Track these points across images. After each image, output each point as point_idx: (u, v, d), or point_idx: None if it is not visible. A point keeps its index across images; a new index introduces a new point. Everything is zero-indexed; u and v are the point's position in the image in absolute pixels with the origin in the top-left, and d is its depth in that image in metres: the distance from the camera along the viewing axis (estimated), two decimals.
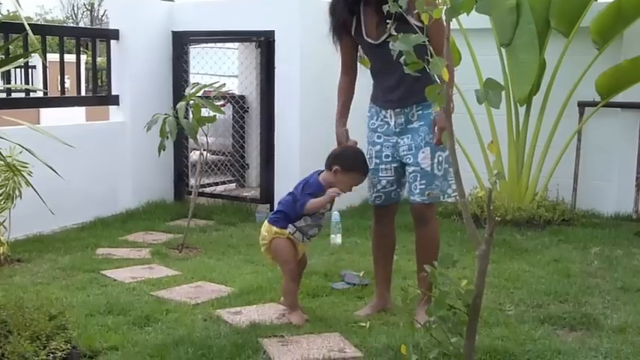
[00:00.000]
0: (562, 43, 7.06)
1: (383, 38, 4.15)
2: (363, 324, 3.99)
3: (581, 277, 5.28)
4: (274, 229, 4.38)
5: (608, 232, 6.64)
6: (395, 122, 4.32)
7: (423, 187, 4.23)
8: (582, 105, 7.38)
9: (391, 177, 4.39)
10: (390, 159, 4.37)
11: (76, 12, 38.83)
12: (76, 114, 10.89)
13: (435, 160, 4.20)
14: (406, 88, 4.17)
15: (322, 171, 4.42)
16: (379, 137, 4.40)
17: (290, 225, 4.36)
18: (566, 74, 7.02)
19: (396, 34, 2.96)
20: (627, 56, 6.91)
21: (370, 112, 4.49)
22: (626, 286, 5.08)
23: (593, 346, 3.97)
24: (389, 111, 4.33)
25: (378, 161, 4.40)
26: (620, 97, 7.13)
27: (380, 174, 4.39)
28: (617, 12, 6.79)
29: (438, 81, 2.86)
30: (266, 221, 4.48)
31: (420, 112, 4.23)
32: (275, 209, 4.54)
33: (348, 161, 4.32)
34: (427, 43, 2.84)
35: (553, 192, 7.32)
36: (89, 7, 37.00)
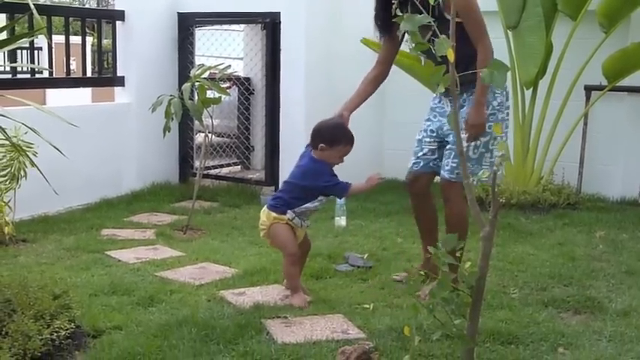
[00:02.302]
0: (569, 26, 7.02)
1: (427, 38, 4.10)
2: (367, 306, 4.00)
3: (586, 261, 5.27)
4: (273, 214, 4.39)
5: (613, 216, 6.63)
6: (448, 106, 4.53)
7: (454, 165, 4.36)
8: (589, 89, 7.34)
9: (433, 147, 4.57)
10: (434, 134, 4.57)
11: None
12: (82, 95, 10.87)
13: (473, 143, 4.32)
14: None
15: (309, 151, 4.47)
16: (434, 116, 4.61)
17: (289, 211, 4.36)
18: (572, 57, 6.98)
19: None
20: (635, 39, 6.85)
21: (436, 94, 4.66)
22: (631, 269, 5.07)
23: (597, 329, 3.97)
24: (445, 104, 4.58)
25: (424, 134, 4.62)
26: (626, 81, 7.09)
27: (423, 144, 4.61)
28: None
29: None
30: (265, 207, 4.48)
31: (469, 98, 4.35)
32: (273, 196, 4.55)
33: (329, 136, 4.39)
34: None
35: (559, 176, 7.30)
36: None
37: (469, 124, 4.25)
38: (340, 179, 4.41)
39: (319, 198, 4.44)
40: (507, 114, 4.47)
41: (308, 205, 4.40)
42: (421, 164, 4.61)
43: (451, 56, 2.83)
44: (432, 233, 4.75)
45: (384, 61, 4.71)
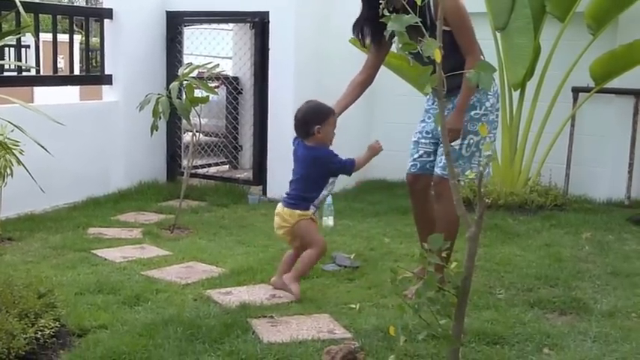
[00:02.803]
0: (557, 28, 7.04)
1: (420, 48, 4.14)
2: (353, 305, 4.00)
3: (572, 262, 5.29)
4: (297, 212, 4.45)
5: (600, 218, 6.65)
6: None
7: (446, 162, 4.28)
8: (576, 90, 7.36)
9: (429, 149, 4.62)
10: (430, 135, 4.62)
11: None
12: (70, 94, 10.83)
13: (466, 142, 4.40)
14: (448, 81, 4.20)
15: (301, 144, 4.53)
16: (429, 117, 4.66)
17: (311, 206, 4.48)
18: (560, 59, 7.00)
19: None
20: (622, 42, 6.88)
21: (429, 96, 4.72)
22: (617, 271, 5.09)
23: (582, 330, 3.98)
24: (432, 102, 4.65)
25: (420, 135, 4.67)
26: (614, 83, 7.12)
27: (419, 146, 4.65)
28: None
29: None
30: (283, 207, 4.51)
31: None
32: (288, 195, 4.55)
33: (316, 116, 4.45)
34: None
35: (546, 177, 7.32)
36: None
37: (448, 128, 4.18)
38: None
39: (330, 181, 4.53)
40: (497, 115, 4.56)
41: (323, 192, 4.51)
42: (418, 166, 4.65)
43: (438, 56, 2.83)
44: (431, 234, 4.71)
45: (372, 66, 4.76)
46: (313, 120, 4.43)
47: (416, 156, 4.66)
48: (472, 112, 4.40)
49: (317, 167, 4.49)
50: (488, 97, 4.43)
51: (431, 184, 4.67)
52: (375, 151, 4.57)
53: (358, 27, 4.67)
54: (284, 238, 4.63)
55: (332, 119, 4.47)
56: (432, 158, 4.61)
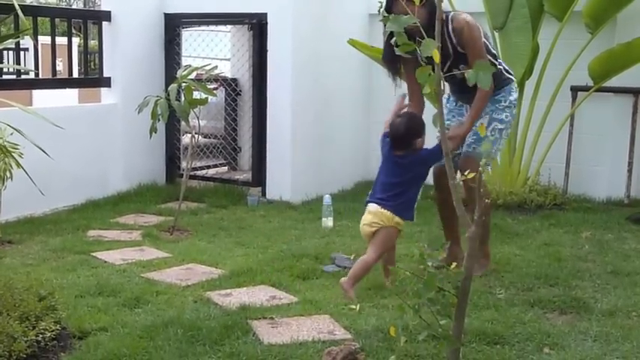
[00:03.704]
0: (555, 27, 7.04)
1: (446, 67, 4.59)
2: (353, 306, 4.00)
3: (572, 261, 5.29)
4: (397, 219, 4.50)
5: (599, 217, 6.65)
6: (467, 109, 4.91)
7: (471, 141, 4.81)
8: (575, 89, 7.36)
9: None
10: (457, 125, 4.89)
11: None
12: (69, 96, 10.83)
13: (491, 126, 4.83)
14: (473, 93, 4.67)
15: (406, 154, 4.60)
16: (453, 116, 5.06)
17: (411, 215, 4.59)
18: (559, 58, 7.00)
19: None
20: (621, 40, 6.88)
21: (448, 95, 5.09)
22: (617, 270, 5.09)
23: (582, 329, 3.98)
24: (462, 105, 5.06)
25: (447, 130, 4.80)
26: (613, 82, 7.12)
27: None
28: None
29: None
30: (382, 209, 4.52)
31: (489, 99, 4.78)
32: (389, 195, 4.56)
33: (420, 128, 4.59)
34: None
35: (545, 176, 7.32)
36: None
37: (449, 135, 4.34)
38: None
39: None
40: (514, 110, 5.01)
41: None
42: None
43: (437, 57, 2.84)
44: (453, 226, 5.06)
45: (418, 94, 4.84)
46: (418, 131, 4.56)
47: (458, 152, 4.88)
48: (497, 104, 4.85)
49: (431, 162, 4.65)
50: (512, 92, 4.92)
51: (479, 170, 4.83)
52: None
53: (390, 64, 4.85)
54: (367, 237, 4.61)
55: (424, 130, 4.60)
56: (458, 151, 4.86)
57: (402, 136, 4.57)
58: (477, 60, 4.53)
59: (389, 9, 4.55)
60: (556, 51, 7.04)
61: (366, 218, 4.59)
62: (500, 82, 4.85)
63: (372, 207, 4.58)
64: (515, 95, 4.97)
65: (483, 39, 4.74)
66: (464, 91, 4.87)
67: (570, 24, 7.00)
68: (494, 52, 4.94)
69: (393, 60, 4.73)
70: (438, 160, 4.64)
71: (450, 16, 4.66)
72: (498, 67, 4.85)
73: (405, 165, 4.58)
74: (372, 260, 4.49)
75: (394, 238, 4.60)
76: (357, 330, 3.89)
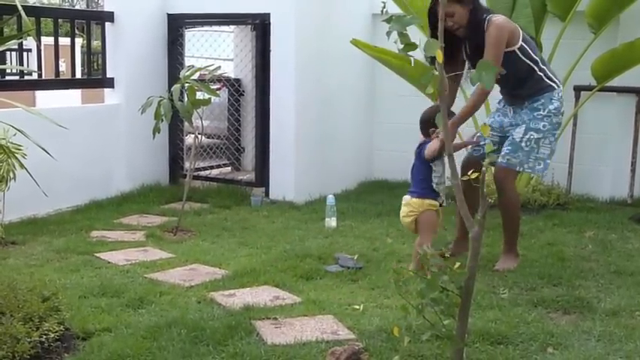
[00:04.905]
0: (558, 27, 7.04)
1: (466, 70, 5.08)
2: (357, 306, 4.00)
3: (575, 261, 5.29)
4: (427, 201, 4.84)
5: (602, 217, 6.64)
6: (512, 111, 5.21)
7: (507, 151, 5.03)
8: (578, 89, 7.36)
9: (495, 140, 5.20)
10: (496, 130, 5.23)
11: None
12: (72, 97, 10.85)
13: (526, 136, 5.00)
14: (515, 94, 5.15)
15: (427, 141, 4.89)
16: (498, 116, 5.30)
17: (438, 194, 4.85)
18: (562, 58, 6.99)
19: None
20: (624, 40, 6.87)
21: (501, 97, 5.37)
22: (620, 269, 5.09)
23: (586, 329, 3.98)
24: (507, 106, 5.28)
25: (489, 128, 5.19)
26: (615, 82, 7.11)
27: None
28: None
29: None
30: (409, 197, 4.90)
31: (527, 106, 5.06)
32: (414, 185, 4.94)
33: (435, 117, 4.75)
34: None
35: (548, 176, 7.30)
36: None
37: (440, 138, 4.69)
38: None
39: (436, 168, 4.85)
40: (561, 118, 5.13)
41: (434, 177, 4.84)
42: (481, 152, 5.17)
43: (439, 56, 2.85)
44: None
45: (453, 91, 5.15)
46: (432, 121, 4.67)
47: (482, 143, 5.15)
48: (535, 113, 5.00)
49: (419, 158, 4.91)
50: (552, 101, 5.01)
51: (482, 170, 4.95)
52: (439, 140, 4.76)
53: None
54: (409, 227, 4.98)
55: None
56: (495, 147, 5.13)
57: (421, 121, 4.93)
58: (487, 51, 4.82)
59: (432, 9, 4.81)
60: (559, 51, 7.03)
61: (403, 211, 4.95)
62: (539, 88, 5.02)
63: (405, 199, 4.95)
64: (556, 104, 5.02)
65: (522, 42, 4.94)
66: (509, 93, 5.21)
67: (573, 24, 7.00)
68: (536, 57, 5.04)
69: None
70: (422, 156, 4.86)
71: (487, 18, 4.88)
72: (538, 72, 5.01)
73: (419, 154, 4.91)
74: (423, 241, 4.64)
75: (434, 220, 4.88)
76: (361, 330, 3.89)
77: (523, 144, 5.00)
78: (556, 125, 5.08)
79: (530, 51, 4.99)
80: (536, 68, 5.01)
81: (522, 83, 5.03)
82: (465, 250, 5.07)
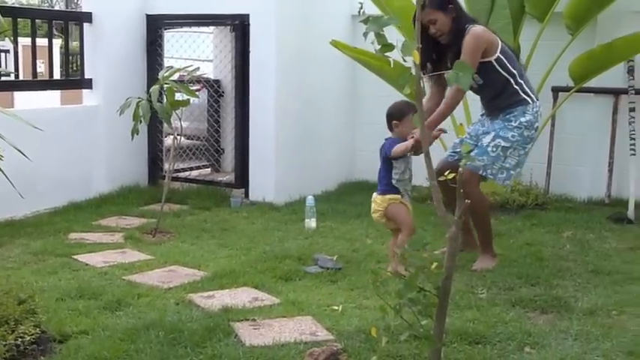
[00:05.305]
0: (536, 28, 7.08)
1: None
2: (336, 307, 4.00)
3: (553, 261, 5.32)
4: (387, 196, 4.92)
5: (580, 216, 6.68)
6: (488, 121, 5.29)
7: (473, 155, 5.09)
8: (556, 90, 7.40)
9: (471, 148, 5.21)
10: (474, 135, 5.33)
11: None
12: (52, 98, 10.77)
13: (494, 142, 5.09)
14: (490, 105, 5.28)
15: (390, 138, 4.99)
16: (477, 125, 5.41)
17: (401, 190, 4.91)
18: (540, 59, 7.03)
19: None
20: (601, 41, 6.91)
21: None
22: (597, 269, 5.12)
23: (563, 328, 4.01)
24: (486, 117, 5.37)
25: (467, 137, 5.36)
26: (593, 83, 7.16)
27: (464, 142, 5.29)
28: None
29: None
30: (375, 194, 5.00)
31: (500, 117, 5.16)
32: (379, 182, 5.02)
33: (397, 111, 4.97)
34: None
35: (527, 176, 7.34)
36: None
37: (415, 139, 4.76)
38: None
39: (395, 164, 4.90)
40: (534, 133, 5.18)
41: (395, 174, 4.90)
42: (455, 157, 5.21)
43: (416, 57, 2.85)
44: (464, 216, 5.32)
45: (438, 94, 5.28)
46: (394, 115, 4.95)
47: (458, 149, 5.23)
48: (506, 123, 5.09)
49: (381, 156, 4.98)
50: (525, 114, 5.09)
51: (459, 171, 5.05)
52: (411, 142, 4.79)
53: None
54: (381, 223, 5.09)
55: (410, 118, 4.81)
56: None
57: (387, 115, 5.01)
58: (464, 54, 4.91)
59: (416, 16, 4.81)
60: (537, 52, 7.07)
61: (372, 208, 5.05)
62: (514, 101, 5.11)
63: (372, 197, 5.05)
64: (529, 117, 5.09)
65: (499, 54, 5.03)
66: (486, 103, 5.35)
67: (551, 25, 7.04)
68: (514, 70, 5.11)
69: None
70: (386, 153, 4.91)
71: (467, 28, 4.99)
72: (514, 86, 5.10)
73: (380, 151, 5.00)
74: (404, 235, 4.83)
75: (402, 211, 4.93)
76: (340, 331, 3.89)
77: (489, 149, 5.07)
78: (527, 139, 5.13)
79: (507, 63, 5.08)
80: (512, 81, 5.10)
81: (498, 95, 5.12)
82: (467, 248, 5.37)
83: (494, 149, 5.06)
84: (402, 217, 4.93)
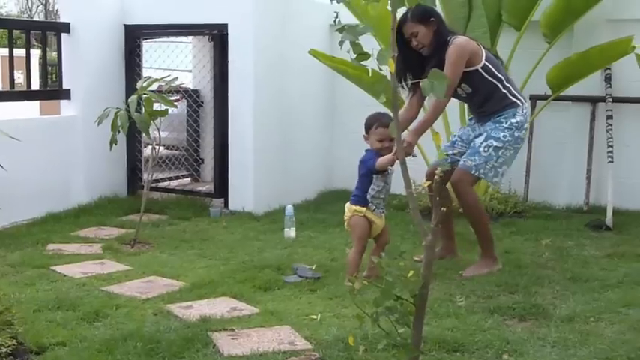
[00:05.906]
0: (513, 37, 7.13)
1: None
2: (314, 316, 4.00)
3: (532, 268, 5.34)
4: (353, 207, 4.97)
5: (559, 224, 6.73)
6: (478, 125, 5.41)
7: (466, 155, 5.27)
8: (534, 98, 7.44)
9: (462, 151, 5.40)
10: (465, 138, 5.47)
11: (30, 6, 38.12)
12: (31, 108, 10.70)
13: (486, 143, 5.19)
14: (481, 111, 5.37)
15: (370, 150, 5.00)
16: (467, 129, 5.52)
17: (370, 203, 4.93)
18: (517, 68, 7.07)
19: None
20: (577, 50, 6.97)
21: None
22: (576, 276, 5.14)
23: (541, 335, 4.02)
24: (476, 123, 5.48)
25: (457, 139, 5.54)
26: (570, 91, 7.21)
27: (455, 145, 5.51)
28: (567, 5, 6.87)
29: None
30: (347, 205, 5.04)
31: (492, 120, 5.26)
32: (356, 192, 5.03)
33: (366, 123, 5.00)
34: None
35: (505, 184, 7.37)
36: (43, 1, 36.42)
37: (406, 141, 4.88)
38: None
39: (375, 181, 4.91)
40: (524, 133, 5.32)
41: (372, 190, 4.91)
42: (448, 161, 5.37)
43: (391, 66, 2.86)
44: (448, 223, 5.51)
45: (417, 104, 5.32)
46: (365, 128, 5.00)
47: (450, 152, 5.43)
48: (497, 124, 5.20)
49: (361, 169, 4.98)
50: (516, 115, 5.21)
51: (449, 178, 5.26)
52: (394, 158, 4.78)
53: (400, 73, 5.18)
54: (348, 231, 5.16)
55: (374, 130, 4.89)
56: (459, 157, 5.36)
57: (364, 126, 5.01)
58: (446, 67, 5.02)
59: (399, 28, 5.03)
60: (515, 60, 7.11)
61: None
62: (504, 105, 5.23)
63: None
64: (519, 118, 5.21)
65: (485, 61, 5.15)
66: (475, 111, 5.48)
67: (528, 34, 7.09)
68: (501, 75, 5.23)
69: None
70: (363, 166, 4.96)
71: (450, 39, 5.10)
72: (503, 90, 5.22)
73: (360, 163, 5.03)
74: (352, 252, 4.93)
75: (360, 225, 4.94)
76: (318, 340, 3.88)
77: (481, 149, 5.18)
78: (518, 140, 5.25)
79: (493, 69, 5.20)
80: (500, 86, 5.22)
81: (487, 100, 5.25)
82: (448, 254, 5.54)
83: (487, 149, 5.17)
84: (358, 232, 4.96)
